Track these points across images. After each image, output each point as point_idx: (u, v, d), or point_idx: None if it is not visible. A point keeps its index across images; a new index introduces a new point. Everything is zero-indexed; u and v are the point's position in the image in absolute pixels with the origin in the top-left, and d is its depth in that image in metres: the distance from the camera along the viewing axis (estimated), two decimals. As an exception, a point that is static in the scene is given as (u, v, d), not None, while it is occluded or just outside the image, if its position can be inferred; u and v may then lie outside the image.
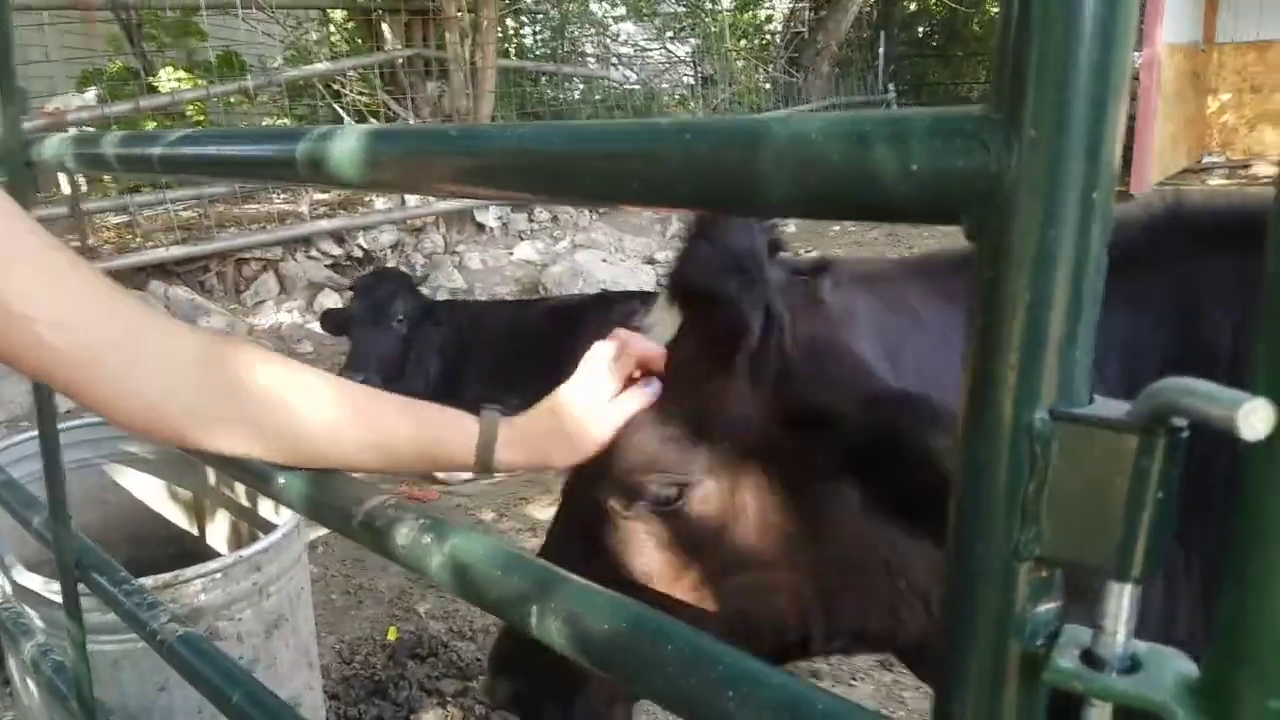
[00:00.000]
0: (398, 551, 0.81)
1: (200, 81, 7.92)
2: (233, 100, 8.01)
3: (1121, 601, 0.41)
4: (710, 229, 1.05)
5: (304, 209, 7.39)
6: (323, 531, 4.53)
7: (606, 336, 1.05)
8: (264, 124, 8.20)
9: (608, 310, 5.03)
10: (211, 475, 3.28)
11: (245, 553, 2.39)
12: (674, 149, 0.44)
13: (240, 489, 3.13)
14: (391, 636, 3.63)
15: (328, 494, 0.90)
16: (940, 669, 0.46)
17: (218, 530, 3.21)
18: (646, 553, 1.11)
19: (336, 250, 7.23)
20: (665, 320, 1.10)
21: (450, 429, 0.96)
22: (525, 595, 0.71)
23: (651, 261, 8.34)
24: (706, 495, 1.08)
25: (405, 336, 5.10)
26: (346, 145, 0.63)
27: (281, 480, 0.93)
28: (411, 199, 7.43)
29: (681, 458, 1.07)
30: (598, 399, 0.99)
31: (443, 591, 4.03)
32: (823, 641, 1.14)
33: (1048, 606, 0.44)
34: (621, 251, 8.35)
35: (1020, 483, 0.41)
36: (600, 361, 1.01)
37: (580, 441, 0.99)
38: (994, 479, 0.41)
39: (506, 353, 5.15)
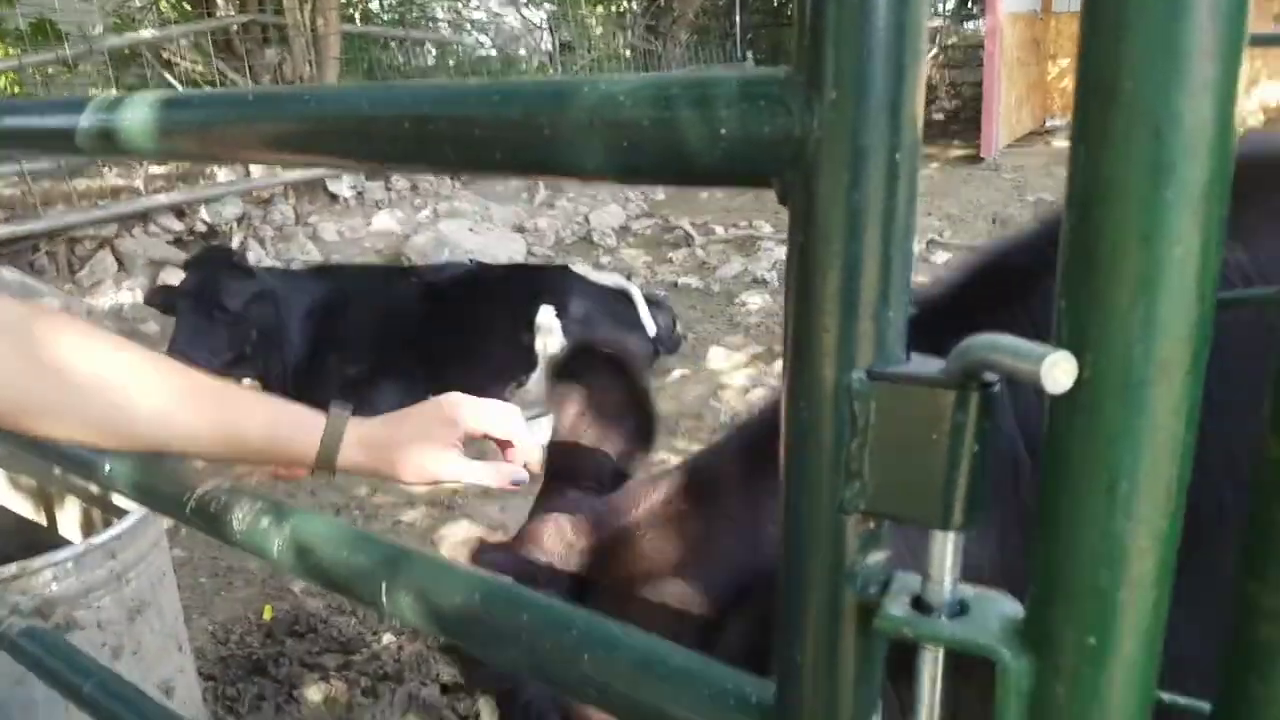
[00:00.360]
0: (235, 536, 0.78)
1: (12, 51, 7.26)
2: (51, 71, 7.39)
3: (945, 549, 0.42)
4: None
5: (139, 183, 6.93)
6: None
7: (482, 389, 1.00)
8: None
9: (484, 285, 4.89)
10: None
11: (98, 540, 2.27)
12: (484, 111, 0.42)
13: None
14: (267, 616, 3.53)
15: (158, 480, 0.85)
16: (783, 620, 0.47)
17: (68, 518, 3.04)
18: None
19: (178, 225, 6.82)
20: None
21: (293, 421, 0.91)
22: (373, 573, 0.68)
23: (521, 230, 8.18)
24: None
25: (234, 320, 4.81)
26: (137, 115, 0.57)
27: (108, 467, 0.87)
28: (256, 169, 7.05)
29: None
30: (444, 441, 0.95)
31: (320, 561, 3.93)
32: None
33: (877, 557, 0.44)
34: (489, 220, 8.15)
35: (843, 441, 0.41)
36: (462, 411, 0.97)
37: (420, 468, 0.94)
38: (818, 438, 0.41)
39: (376, 330, 4.94)
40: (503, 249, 7.09)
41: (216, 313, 4.76)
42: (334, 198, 7.86)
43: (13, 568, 2.19)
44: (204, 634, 3.36)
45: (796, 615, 0.46)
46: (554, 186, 9.23)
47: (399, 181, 8.16)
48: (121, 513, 2.65)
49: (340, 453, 0.92)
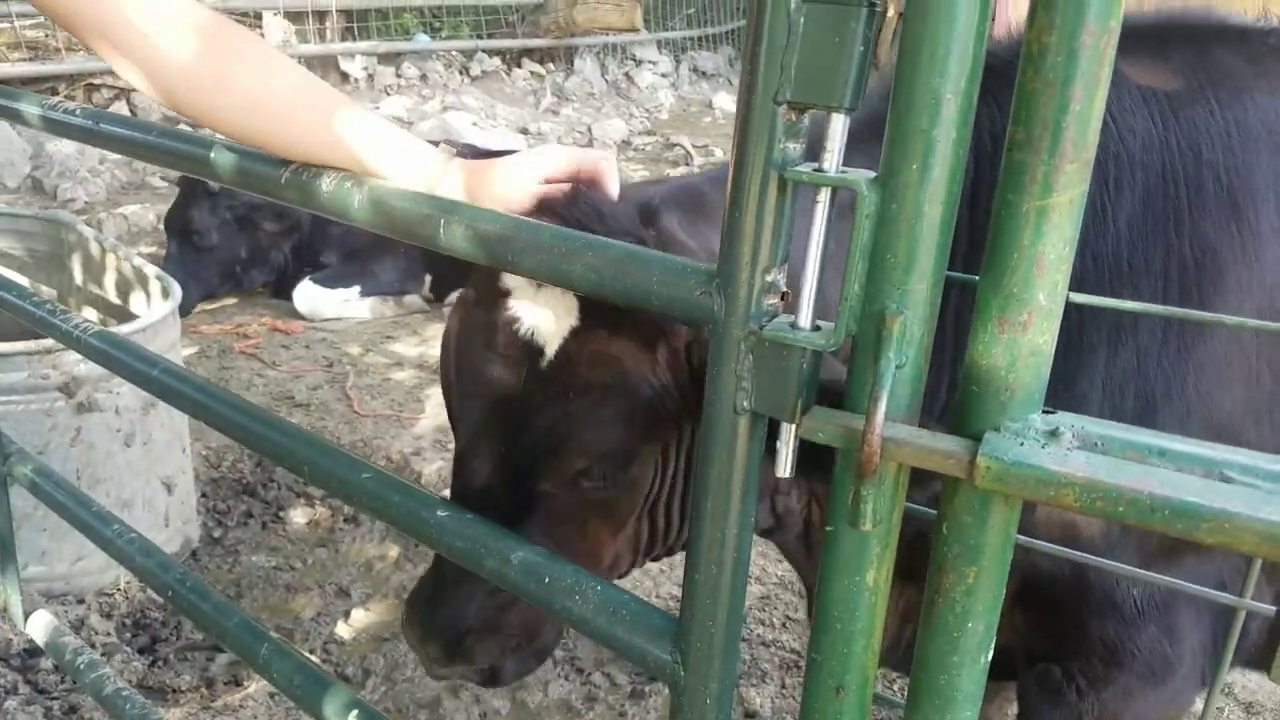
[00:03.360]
0: (323, 199, 1.00)
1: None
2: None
3: (837, 128, 0.65)
4: (595, 208, 1.15)
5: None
6: (191, 350, 4.55)
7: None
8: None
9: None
10: (79, 273, 3.29)
11: (124, 329, 2.48)
12: None
13: (110, 284, 3.16)
14: (259, 447, 3.74)
15: (255, 163, 1.07)
16: (730, 199, 0.70)
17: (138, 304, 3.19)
18: (581, 520, 1.28)
19: (193, 83, 6.90)
20: (546, 312, 1.22)
21: (413, 169, 1.06)
22: (431, 216, 0.91)
23: (524, 132, 8.30)
24: (638, 460, 1.25)
25: (214, 248, 5.03)
26: None
27: (212, 155, 1.09)
28: (274, 41, 7.11)
29: (622, 438, 1.22)
30: (529, 176, 1.12)
31: (310, 406, 4.17)
32: None
33: (795, 144, 0.67)
34: (494, 118, 8.27)
35: (780, 47, 0.64)
36: (549, 157, 1.14)
37: (506, 199, 1.11)
38: (766, 48, 0.64)
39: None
40: (504, 147, 7.24)
41: (197, 242, 4.99)
42: (345, 77, 7.94)
43: (46, 342, 2.40)
44: (198, 458, 3.57)
45: (741, 182, 0.69)
46: (560, 93, 9.32)
47: (409, 70, 8.22)
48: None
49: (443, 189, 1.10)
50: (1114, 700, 1.28)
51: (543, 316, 1.21)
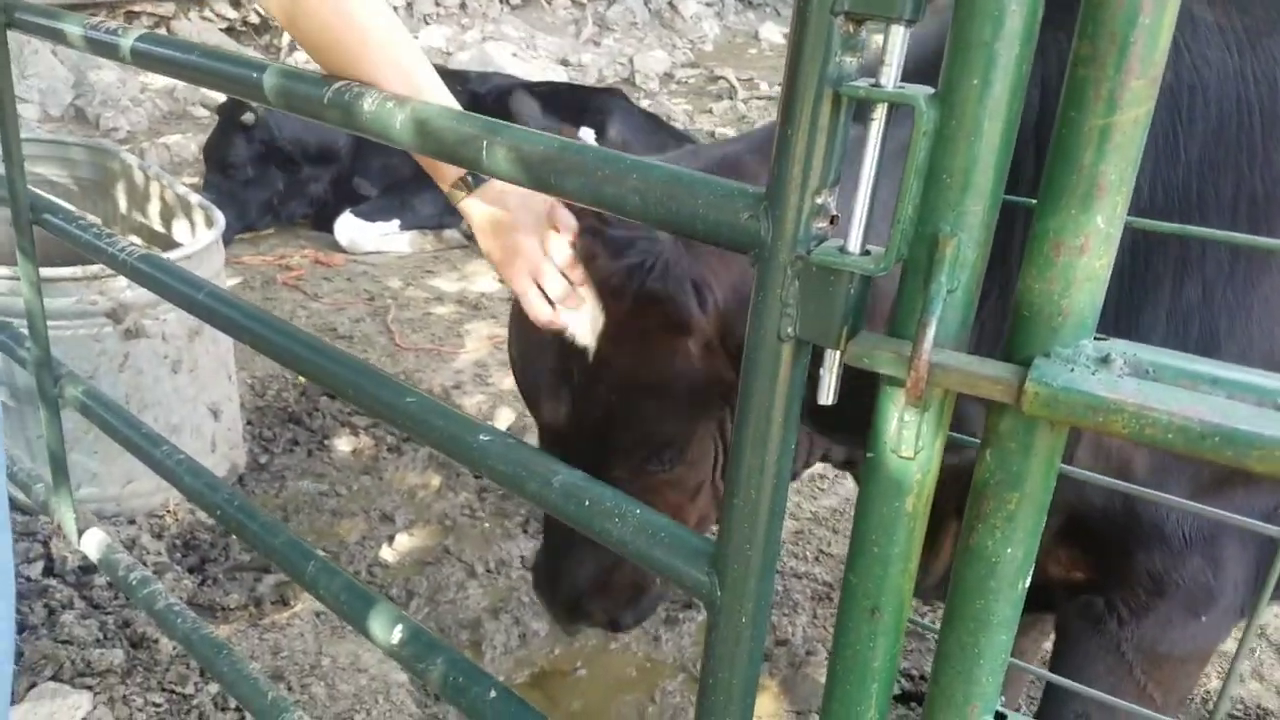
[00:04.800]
0: (365, 119, 0.99)
1: None
2: None
3: (896, 41, 0.63)
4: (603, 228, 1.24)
5: (202, -37, 6.96)
6: (235, 281, 4.61)
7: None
8: None
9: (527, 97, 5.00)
10: (123, 201, 3.32)
11: (172, 255, 2.51)
12: None
13: (154, 212, 3.19)
14: (303, 378, 3.81)
15: (299, 83, 1.06)
16: (781, 116, 0.68)
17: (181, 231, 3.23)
18: (656, 496, 1.37)
19: (232, 13, 6.89)
20: (590, 311, 1.27)
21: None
22: (475, 137, 0.91)
23: (564, 63, 8.20)
24: (696, 443, 1.34)
25: (249, 181, 5.03)
26: None
27: (256, 75, 1.09)
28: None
29: (674, 427, 1.31)
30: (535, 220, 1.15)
31: (352, 339, 4.22)
32: None
33: (851, 58, 0.66)
34: (534, 49, 8.17)
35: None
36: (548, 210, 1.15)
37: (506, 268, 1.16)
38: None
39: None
40: (543, 79, 7.17)
41: (235, 175, 4.99)
42: (384, 4, 7.84)
43: (93, 268, 2.44)
44: (244, 386, 3.64)
45: (794, 98, 0.67)
46: (601, 23, 9.16)
47: (449, -1, 8.12)
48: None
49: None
50: (1153, 628, 1.29)
51: (577, 318, 1.26)
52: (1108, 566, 1.30)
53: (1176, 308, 1.20)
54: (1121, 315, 1.19)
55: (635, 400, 1.30)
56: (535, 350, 1.37)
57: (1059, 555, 1.33)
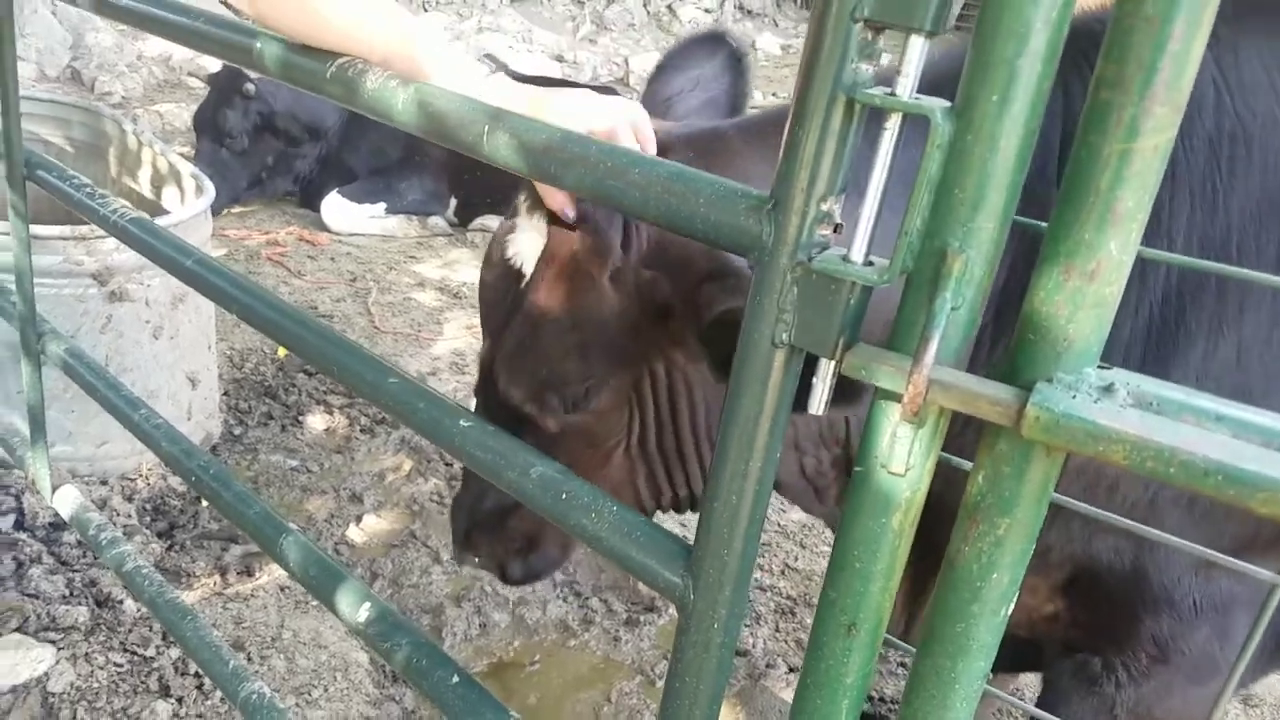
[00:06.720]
0: (367, 97, 0.97)
1: None
2: None
3: (915, 51, 0.62)
4: None
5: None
6: (220, 253, 4.56)
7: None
8: None
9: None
10: (115, 165, 3.27)
11: (162, 220, 2.47)
12: None
13: (144, 178, 3.15)
14: (281, 354, 3.77)
15: (302, 56, 1.04)
16: (792, 119, 0.67)
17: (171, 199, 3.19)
18: (565, 445, 1.34)
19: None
20: (530, 234, 1.27)
21: (461, 84, 1.04)
22: (477, 121, 0.89)
23: (559, 59, 8.15)
24: (605, 393, 1.30)
25: (244, 151, 5.01)
26: None
27: (258, 45, 1.06)
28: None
29: (578, 367, 1.27)
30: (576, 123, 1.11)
31: (332, 318, 4.18)
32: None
33: (867, 66, 0.64)
34: (530, 43, 8.13)
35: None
36: (596, 108, 1.16)
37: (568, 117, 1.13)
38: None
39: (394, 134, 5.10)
40: (537, 74, 7.15)
41: (226, 144, 4.95)
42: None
43: (83, 229, 2.40)
44: (222, 358, 3.60)
45: (804, 101, 0.66)
46: (599, 22, 9.14)
47: (447, -12, 8.07)
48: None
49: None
50: (1152, 695, 1.25)
51: (525, 239, 1.25)
52: (1111, 627, 1.26)
53: (1209, 369, 1.15)
54: (1150, 369, 1.14)
55: (545, 327, 1.27)
56: (490, 276, 1.36)
57: (1058, 609, 1.29)
